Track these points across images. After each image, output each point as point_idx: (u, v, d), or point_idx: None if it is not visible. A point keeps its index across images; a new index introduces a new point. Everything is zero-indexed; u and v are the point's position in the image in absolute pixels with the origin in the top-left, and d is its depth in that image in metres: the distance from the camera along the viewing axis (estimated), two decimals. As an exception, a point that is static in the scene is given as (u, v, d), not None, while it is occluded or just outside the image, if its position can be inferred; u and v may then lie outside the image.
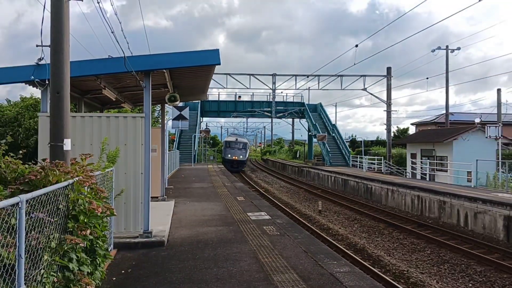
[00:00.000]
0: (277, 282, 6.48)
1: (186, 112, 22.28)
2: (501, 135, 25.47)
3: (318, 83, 41.76)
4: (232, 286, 6.36)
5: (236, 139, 50.57)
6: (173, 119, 22.51)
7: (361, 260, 11.36)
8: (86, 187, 5.41)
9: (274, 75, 42.76)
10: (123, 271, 7.15)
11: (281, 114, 50.87)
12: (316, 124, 45.93)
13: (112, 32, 7.11)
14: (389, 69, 37.71)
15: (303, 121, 53.08)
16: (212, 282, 6.52)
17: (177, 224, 11.06)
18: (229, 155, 48.18)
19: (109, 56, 9.18)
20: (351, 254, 11.97)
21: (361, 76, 39.61)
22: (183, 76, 11.91)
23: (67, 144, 6.07)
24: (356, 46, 23.53)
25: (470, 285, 10.39)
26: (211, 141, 72.52)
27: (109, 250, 7.68)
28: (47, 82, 7.98)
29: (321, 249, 8.59)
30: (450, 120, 36.07)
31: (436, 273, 11.18)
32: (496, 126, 25.05)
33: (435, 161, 28.92)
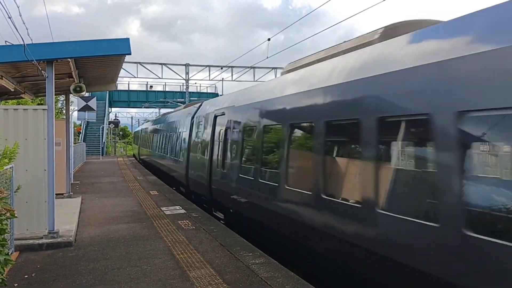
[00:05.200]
0: (193, 279, 6.41)
1: (93, 103, 21.25)
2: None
3: (232, 74, 42.09)
4: (147, 286, 6.17)
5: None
6: (79, 110, 21.38)
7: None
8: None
9: (187, 65, 42.17)
10: (26, 276, 6.64)
11: (195, 104, 50.33)
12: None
13: (9, 18, 6.48)
14: (299, 62, 38.95)
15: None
16: (126, 283, 6.28)
17: (86, 222, 10.51)
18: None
19: (6, 42, 8.40)
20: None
21: (273, 68, 40.57)
22: (90, 65, 11.27)
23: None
24: (269, 39, 23.85)
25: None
26: (120, 133, 70.00)
27: (9, 253, 7.09)
28: None
29: (237, 242, 8.62)
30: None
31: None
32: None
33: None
